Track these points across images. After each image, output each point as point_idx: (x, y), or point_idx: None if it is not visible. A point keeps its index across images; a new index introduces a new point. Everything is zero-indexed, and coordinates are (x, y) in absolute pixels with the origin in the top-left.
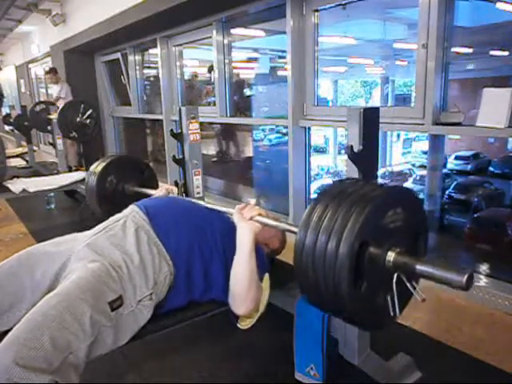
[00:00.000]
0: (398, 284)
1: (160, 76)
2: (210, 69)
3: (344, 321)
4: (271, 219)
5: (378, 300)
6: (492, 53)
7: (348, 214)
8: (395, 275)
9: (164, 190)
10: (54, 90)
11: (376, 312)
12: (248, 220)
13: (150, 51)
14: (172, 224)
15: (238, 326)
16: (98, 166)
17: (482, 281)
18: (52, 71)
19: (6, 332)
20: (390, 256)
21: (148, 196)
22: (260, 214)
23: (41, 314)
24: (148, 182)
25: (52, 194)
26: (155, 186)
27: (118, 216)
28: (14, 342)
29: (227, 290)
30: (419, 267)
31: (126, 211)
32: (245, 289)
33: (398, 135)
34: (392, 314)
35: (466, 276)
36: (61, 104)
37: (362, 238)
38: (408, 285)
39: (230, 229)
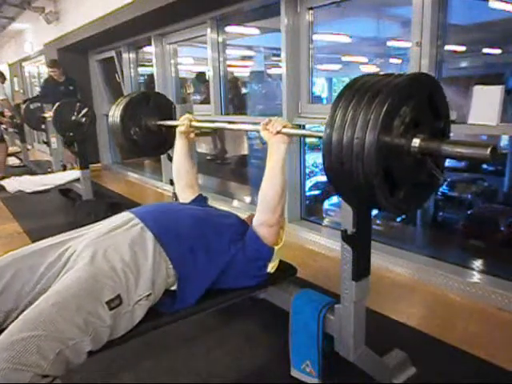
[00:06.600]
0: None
1: (154, 74)
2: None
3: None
4: (296, 129)
5: (406, 189)
6: (485, 50)
7: (369, 109)
8: (426, 160)
9: (186, 120)
10: None
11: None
12: (276, 134)
13: (145, 49)
14: (173, 227)
15: (275, 248)
16: (115, 117)
17: (476, 277)
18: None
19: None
20: (416, 143)
21: (173, 127)
22: (285, 126)
23: (37, 312)
24: (167, 112)
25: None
26: (174, 117)
27: (120, 220)
28: (7, 340)
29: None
30: (445, 148)
31: (126, 217)
32: (278, 194)
33: None
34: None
35: (489, 148)
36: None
37: (385, 133)
38: (434, 172)
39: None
